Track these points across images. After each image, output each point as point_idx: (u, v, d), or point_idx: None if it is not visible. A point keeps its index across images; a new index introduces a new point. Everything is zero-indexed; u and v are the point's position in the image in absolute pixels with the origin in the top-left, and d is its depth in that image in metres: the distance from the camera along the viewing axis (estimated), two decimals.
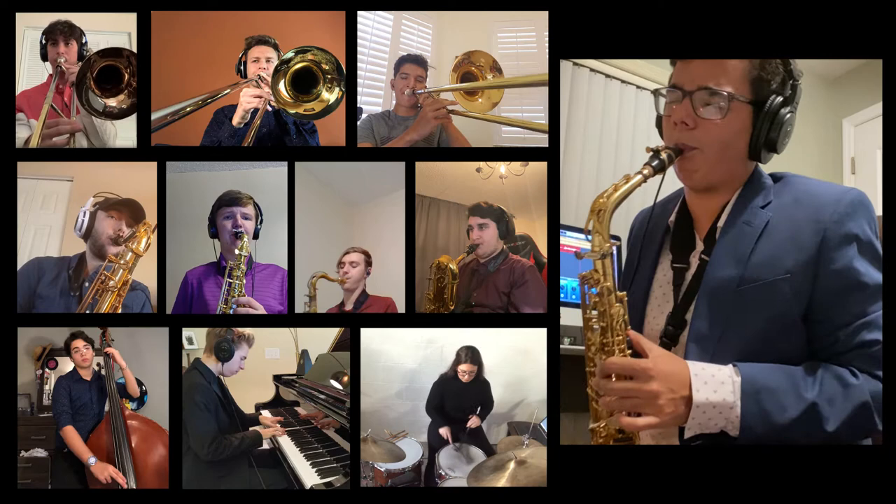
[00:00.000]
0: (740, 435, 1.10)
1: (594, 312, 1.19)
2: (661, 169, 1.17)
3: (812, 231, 1.12)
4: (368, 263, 1.97)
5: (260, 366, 2.17)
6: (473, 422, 1.93)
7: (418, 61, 1.93)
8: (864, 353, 1.12)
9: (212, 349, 1.85)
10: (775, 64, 1.17)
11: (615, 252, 1.23)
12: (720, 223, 1.22)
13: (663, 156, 1.17)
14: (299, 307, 1.74)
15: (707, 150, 1.18)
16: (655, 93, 1.26)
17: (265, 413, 2.18)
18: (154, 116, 1.65)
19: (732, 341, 1.15)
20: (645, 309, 1.31)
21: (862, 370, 1.12)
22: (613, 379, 1.14)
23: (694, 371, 1.11)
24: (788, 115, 1.17)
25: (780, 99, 1.17)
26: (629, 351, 1.17)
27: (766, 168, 1.27)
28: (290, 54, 1.65)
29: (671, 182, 1.33)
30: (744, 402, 1.09)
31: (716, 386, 1.10)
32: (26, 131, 1.74)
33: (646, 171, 1.16)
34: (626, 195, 1.15)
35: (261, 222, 1.85)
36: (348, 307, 1.96)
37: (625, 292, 1.19)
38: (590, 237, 1.17)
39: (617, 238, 1.22)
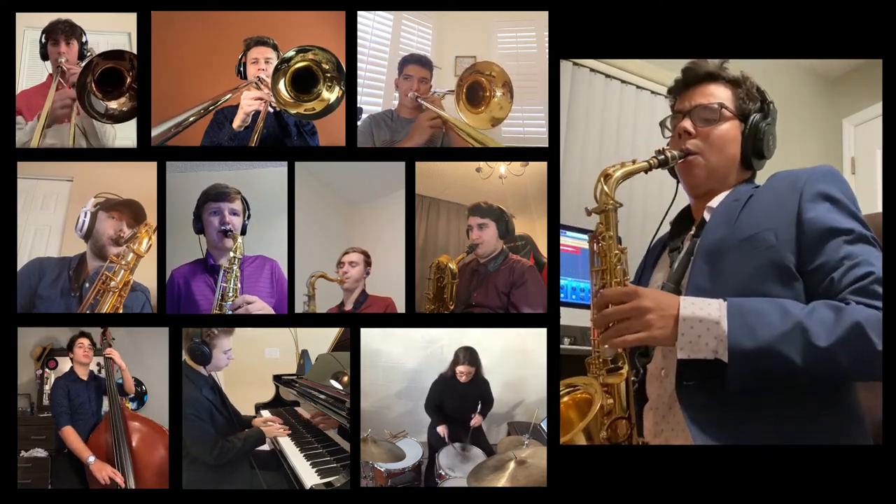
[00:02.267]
0: (730, 358, 1.13)
1: (598, 262, 1.32)
2: (664, 163, 1.36)
3: (790, 192, 1.27)
4: (368, 263, 1.97)
5: (260, 366, 2.17)
6: (476, 420, 1.93)
7: (422, 62, 1.92)
8: (856, 287, 1.16)
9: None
10: (753, 94, 1.39)
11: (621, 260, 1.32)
12: (710, 204, 1.38)
13: (667, 153, 1.36)
14: (299, 307, 1.74)
15: (707, 153, 1.37)
16: (661, 124, 1.46)
17: (265, 413, 2.18)
18: (157, 132, 1.64)
19: (727, 291, 1.22)
20: None
21: (858, 302, 1.15)
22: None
23: (683, 296, 1.21)
24: (767, 127, 1.38)
25: (759, 115, 1.39)
26: None
27: (768, 169, 1.39)
28: (290, 53, 1.64)
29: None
30: (730, 319, 1.15)
31: (702, 305, 1.18)
32: (24, 135, 1.73)
33: (651, 161, 1.35)
34: (630, 174, 1.33)
35: (248, 217, 1.82)
36: (348, 307, 1.96)
37: (625, 247, 1.31)
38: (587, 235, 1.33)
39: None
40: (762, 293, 1.20)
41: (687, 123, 1.38)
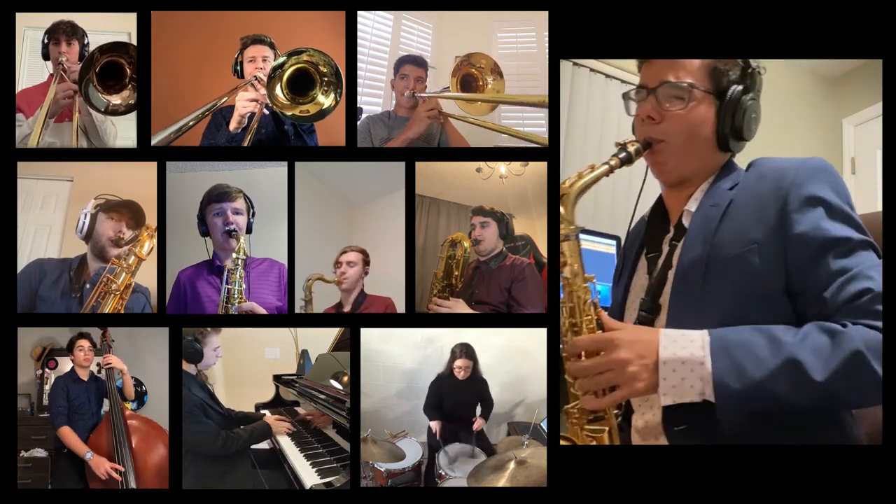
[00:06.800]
0: (717, 397, 1.04)
1: (562, 295, 1.21)
2: (627, 161, 1.21)
3: (773, 199, 1.13)
4: (366, 263, 1.95)
5: (260, 366, 2.17)
6: (478, 424, 1.93)
7: (418, 62, 1.93)
8: (852, 306, 1.05)
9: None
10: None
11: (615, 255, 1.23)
12: (688, 206, 1.24)
13: (630, 148, 1.21)
14: (299, 307, 1.74)
15: (673, 140, 1.21)
16: (625, 96, 1.31)
17: (265, 413, 2.17)
18: (157, 139, 1.64)
19: (709, 320, 1.11)
20: (625, 303, 1.34)
21: (854, 323, 1.04)
22: (583, 358, 1.15)
23: (663, 333, 1.10)
24: (751, 102, 1.21)
25: (740, 87, 1.20)
26: (599, 331, 1.17)
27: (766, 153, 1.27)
28: (282, 59, 1.63)
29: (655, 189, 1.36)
30: (714, 358, 1.05)
31: (684, 343, 1.08)
32: (24, 130, 1.73)
33: (612, 162, 1.20)
34: (590, 184, 1.19)
35: (253, 216, 1.80)
36: (346, 308, 1.95)
37: (593, 275, 1.21)
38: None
39: (616, 237, 1.24)
40: (749, 321, 1.09)
41: (650, 107, 1.21)
